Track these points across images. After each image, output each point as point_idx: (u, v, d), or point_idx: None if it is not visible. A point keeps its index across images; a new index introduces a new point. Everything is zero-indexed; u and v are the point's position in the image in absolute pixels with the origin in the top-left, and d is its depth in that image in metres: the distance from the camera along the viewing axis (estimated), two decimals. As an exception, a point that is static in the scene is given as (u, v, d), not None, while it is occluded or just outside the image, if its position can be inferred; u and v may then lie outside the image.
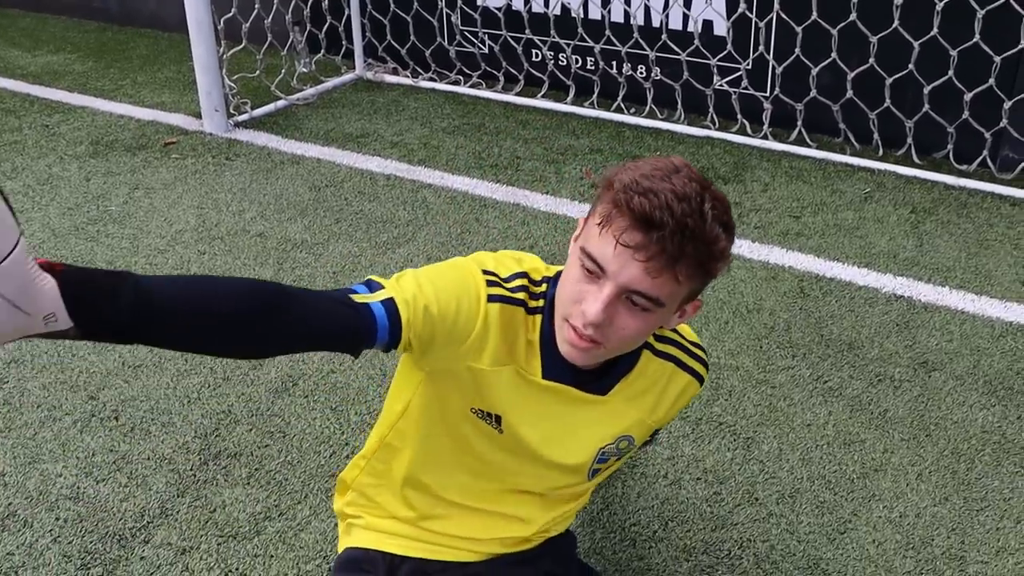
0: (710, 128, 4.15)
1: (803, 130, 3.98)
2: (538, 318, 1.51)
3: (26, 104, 4.70)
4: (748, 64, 4.07)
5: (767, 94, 4.05)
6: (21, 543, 2.06)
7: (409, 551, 1.72)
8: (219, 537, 2.06)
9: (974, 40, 3.51)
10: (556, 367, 1.51)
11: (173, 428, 2.40)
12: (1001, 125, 3.61)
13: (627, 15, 4.25)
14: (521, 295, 1.50)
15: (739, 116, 4.12)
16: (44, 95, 4.82)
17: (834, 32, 3.75)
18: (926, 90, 3.66)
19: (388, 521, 1.73)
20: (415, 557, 1.72)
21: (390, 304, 1.34)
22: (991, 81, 3.55)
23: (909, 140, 3.80)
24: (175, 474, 2.25)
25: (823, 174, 3.75)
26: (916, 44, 3.61)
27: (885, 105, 3.77)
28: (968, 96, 3.60)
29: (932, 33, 3.58)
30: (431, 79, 4.81)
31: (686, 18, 4.15)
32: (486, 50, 4.71)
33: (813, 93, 3.91)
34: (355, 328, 1.30)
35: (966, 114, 3.63)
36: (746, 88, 4.10)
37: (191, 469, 2.26)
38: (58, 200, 3.63)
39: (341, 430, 2.41)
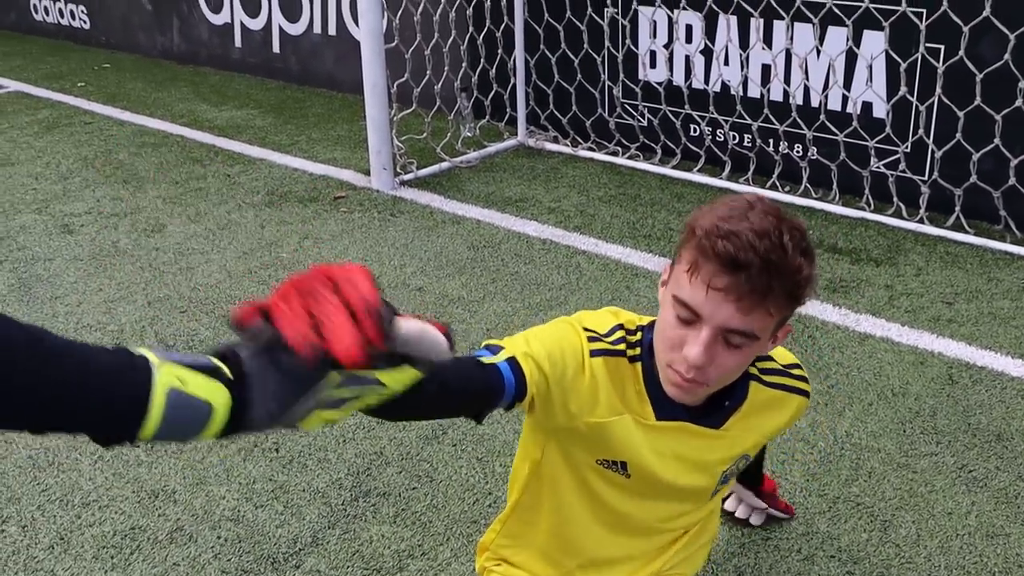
0: (865, 210, 4.14)
1: (961, 216, 3.93)
2: (639, 365, 1.59)
3: (211, 154, 5.07)
4: (907, 147, 4.06)
5: (925, 178, 4.03)
6: (185, 556, 2.25)
7: None
8: (364, 570, 2.19)
9: None
10: (667, 408, 1.59)
11: (328, 464, 2.56)
12: None
13: (786, 94, 4.31)
14: (621, 346, 1.58)
15: (895, 199, 4.10)
16: (227, 147, 5.20)
17: (998, 118, 3.72)
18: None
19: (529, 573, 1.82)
20: None
21: (513, 361, 1.43)
22: None
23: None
24: (327, 507, 2.40)
25: (980, 261, 3.70)
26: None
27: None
28: None
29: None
30: (590, 149, 4.95)
31: (845, 99, 4.18)
32: (645, 123, 4.83)
33: (973, 179, 3.87)
34: (490, 386, 1.39)
35: None
36: (904, 171, 4.08)
37: (342, 503, 2.41)
38: (235, 244, 3.91)
39: (485, 479, 2.52)
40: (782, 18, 4.21)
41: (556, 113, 5.05)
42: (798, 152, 4.38)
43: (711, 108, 4.53)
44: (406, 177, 4.59)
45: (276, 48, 6.64)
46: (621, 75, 4.81)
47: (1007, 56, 3.65)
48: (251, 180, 4.66)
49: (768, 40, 4.31)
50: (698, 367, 1.43)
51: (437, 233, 4.03)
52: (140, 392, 0.87)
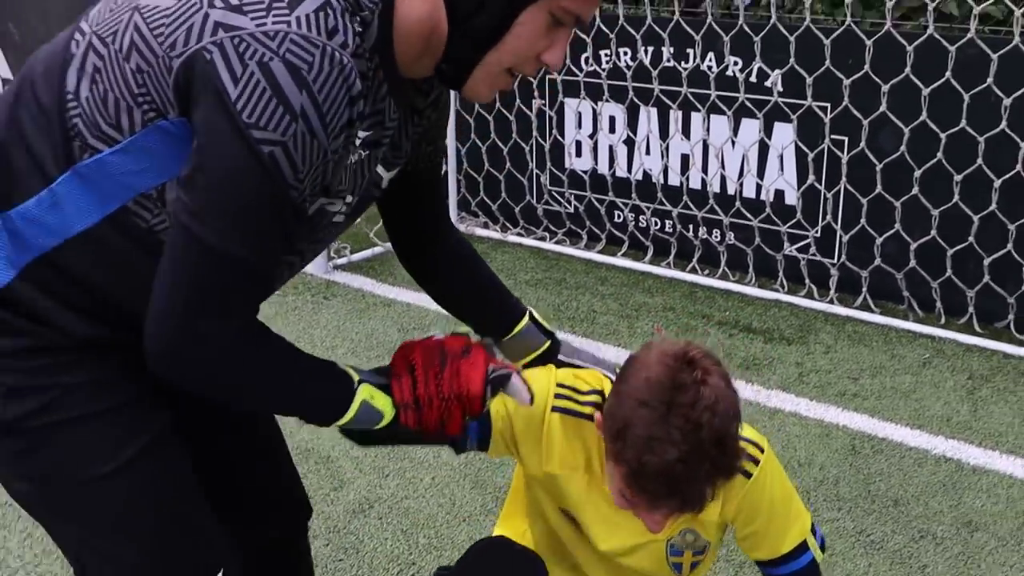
0: (779, 291, 4.35)
1: (868, 296, 4.16)
2: (592, 424, 1.61)
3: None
4: (817, 232, 4.29)
5: (834, 261, 4.26)
6: None
7: None
8: (290, 639, 2.26)
9: (1031, 217, 3.71)
10: None
11: (257, 539, 2.64)
12: (1059, 299, 3.76)
13: (704, 182, 4.54)
14: (589, 410, 1.63)
15: (807, 281, 4.32)
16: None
17: (897, 204, 3.97)
18: (986, 262, 3.83)
19: None
20: None
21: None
22: (1048, 257, 3.72)
23: (970, 309, 3.95)
24: (256, 580, 2.47)
25: (884, 339, 3.91)
26: (975, 218, 3.81)
27: (947, 275, 3.94)
28: (1026, 270, 3.77)
29: (991, 208, 3.77)
30: (518, 234, 5.13)
31: (759, 187, 4.41)
32: (571, 209, 5.03)
33: (878, 261, 4.10)
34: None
35: (1025, 287, 3.79)
36: (814, 255, 4.31)
37: (270, 577, 2.48)
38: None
39: (410, 551, 2.61)
40: (699, 111, 4.45)
41: (486, 200, 5.23)
42: (716, 237, 4.59)
43: (633, 195, 4.75)
44: (339, 261, 4.72)
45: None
46: (548, 163, 5.02)
47: (903, 148, 3.91)
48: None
49: (687, 131, 4.55)
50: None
51: (369, 316, 4.16)
52: (346, 401, 1.32)
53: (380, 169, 1.41)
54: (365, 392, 1.34)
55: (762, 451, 1.67)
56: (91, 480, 1.34)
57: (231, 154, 1.13)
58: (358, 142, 1.27)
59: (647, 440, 1.39)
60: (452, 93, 1.44)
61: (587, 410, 1.64)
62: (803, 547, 1.71)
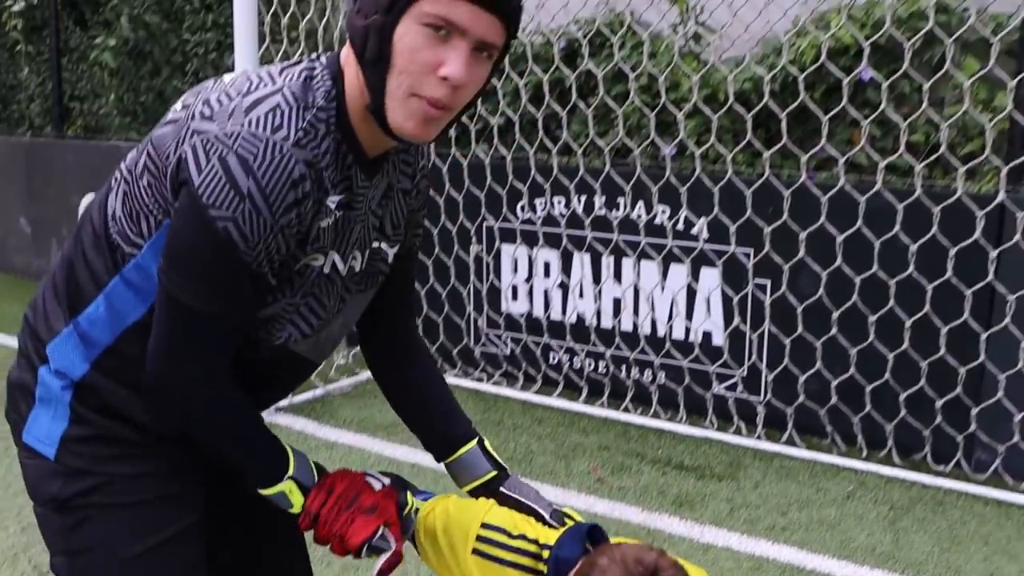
0: (709, 429, 4.51)
1: (793, 432, 4.33)
2: None
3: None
4: (743, 371, 4.48)
5: (760, 399, 4.44)
6: None
7: None
8: None
9: (941, 353, 3.93)
10: None
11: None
12: (971, 430, 3.95)
13: (635, 325, 4.73)
14: (511, 556, 1.60)
15: (735, 418, 4.49)
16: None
17: (818, 344, 4.18)
18: (902, 397, 4.04)
19: None
20: None
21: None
22: (959, 390, 3.93)
23: (890, 442, 4.13)
24: None
25: (810, 473, 4.06)
26: (890, 356, 4.03)
27: (867, 410, 4.13)
28: (939, 403, 3.97)
29: (904, 346, 4.00)
30: (457, 376, 5.26)
31: (688, 329, 4.61)
32: (508, 351, 5.18)
33: (802, 398, 4.29)
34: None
35: (939, 419, 3.98)
36: (741, 393, 4.49)
37: None
38: None
39: None
40: (630, 256, 4.68)
41: (426, 342, 5.35)
42: (647, 377, 4.76)
43: (568, 337, 4.92)
44: (280, 403, 4.79)
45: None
46: (486, 307, 5.19)
47: (821, 291, 4.15)
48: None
49: (618, 276, 4.77)
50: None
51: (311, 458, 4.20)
52: (270, 483, 1.58)
53: (384, 245, 1.66)
54: (287, 486, 1.59)
55: None
56: (121, 559, 1.58)
57: (193, 228, 1.40)
58: (333, 205, 1.49)
59: None
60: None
61: (509, 556, 1.61)
62: None
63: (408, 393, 1.88)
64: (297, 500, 1.59)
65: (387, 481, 1.71)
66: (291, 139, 1.38)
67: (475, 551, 1.61)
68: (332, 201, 1.48)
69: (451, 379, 5.20)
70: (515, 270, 5.10)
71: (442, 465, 1.84)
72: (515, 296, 5.12)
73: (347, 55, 1.47)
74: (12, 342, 5.91)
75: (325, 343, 1.72)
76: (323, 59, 1.50)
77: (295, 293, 1.56)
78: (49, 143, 7.59)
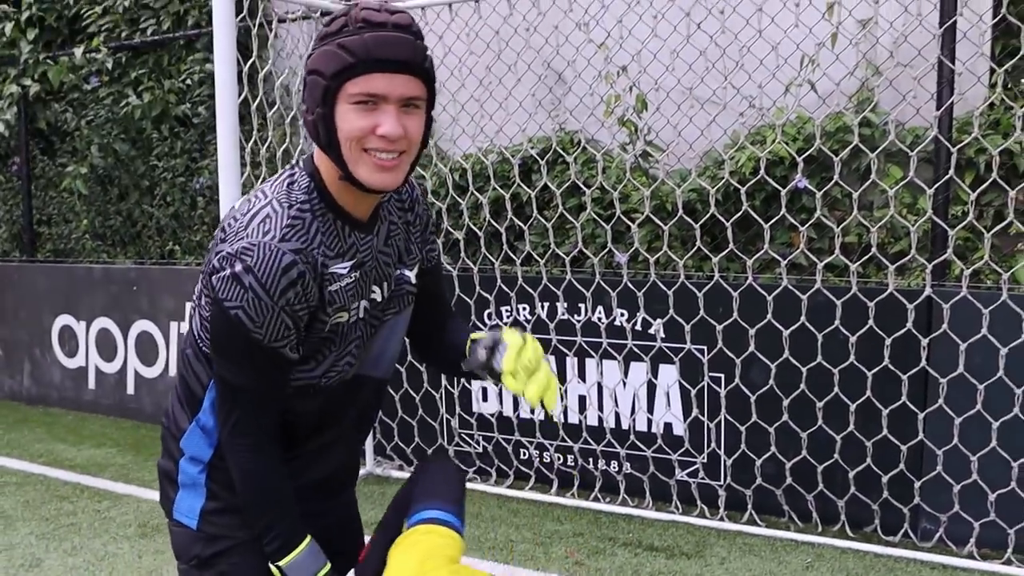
0: (674, 512, 4.81)
1: (753, 512, 4.65)
2: None
3: (77, 491, 5.37)
4: (704, 458, 4.82)
5: (721, 483, 4.77)
6: None
7: None
8: None
9: (883, 433, 4.31)
10: None
11: None
12: (915, 502, 4.32)
13: (600, 419, 5.07)
14: None
15: (698, 502, 4.81)
16: (92, 484, 5.50)
17: (771, 430, 4.55)
18: (851, 475, 4.40)
19: None
20: None
21: None
22: (902, 466, 4.31)
23: (842, 517, 4.47)
24: None
25: (771, 548, 4.37)
26: (838, 438, 4.40)
27: (819, 488, 4.48)
28: (885, 479, 4.33)
29: (849, 429, 4.38)
30: (432, 475, 5.50)
31: (650, 421, 4.95)
32: (480, 449, 5.46)
33: (759, 481, 4.63)
34: None
35: (886, 494, 4.34)
36: (703, 478, 4.82)
37: None
38: (115, 574, 4.19)
39: None
40: (592, 357, 5.04)
41: (400, 444, 5.63)
42: (614, 468, 5.07)
43: (537, 434, 5.23)
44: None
45: (131, 390, 7.06)
46: (457, 408, 5.49)
47: (771, 381, 4.53)
48: (122, 514, 4.96)
49: (582, 375, 5.11)
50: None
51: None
52: (281, 557, 1.88)
53: (405, 271, 2.02)
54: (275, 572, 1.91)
55: None
56: None
57: (217, 319, 1.80)
58: (344, 271, 1.85)
59: None
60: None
61: None
62: None
63: (438, 347, 2.23)
64: None
65: None
66: (277, 237, 1.76)
67: None
68: (342, 268, 1.84)
69: (426, 479, 5.45)
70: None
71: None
72: (485, 397, 5.43)
73: (318, 149, 1.84)
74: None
75: (378, 359, 2.05)
76: (301, 162, 1.89)
77: (339, 346, 1.92)
78: (20, 267, 7.81)
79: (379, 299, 1.96)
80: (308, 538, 1.91)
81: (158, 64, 7.37)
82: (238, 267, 1.74)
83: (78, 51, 7.15)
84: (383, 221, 1.96)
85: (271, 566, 1.89)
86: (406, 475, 5.51)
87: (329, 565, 1.93)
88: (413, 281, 2.05)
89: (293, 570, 1.88)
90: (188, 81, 7.13)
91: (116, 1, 7.41)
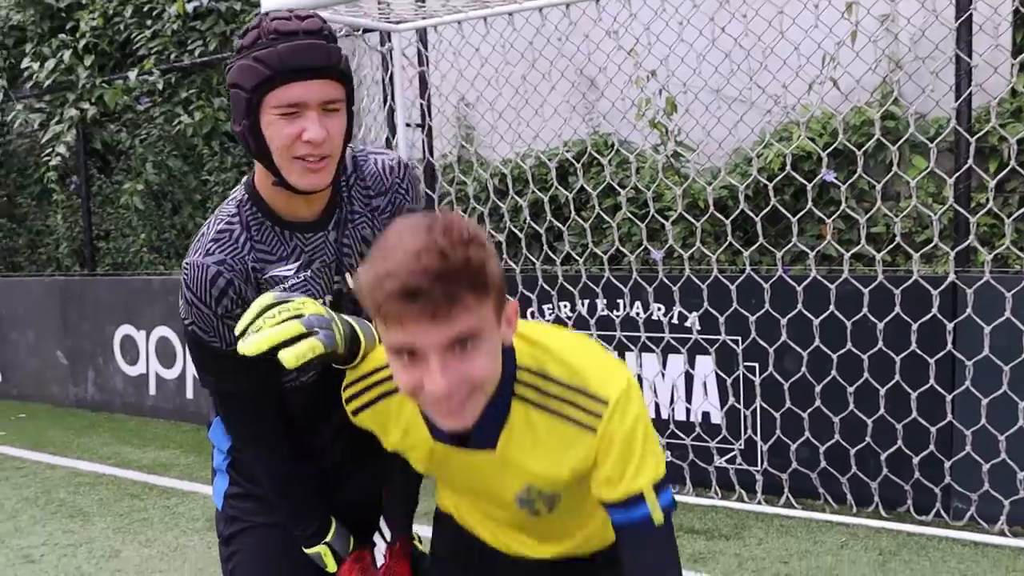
0: (714, 498, 5.01)
1: (789, 495, 4.83)
2: (404, 399, 1.65)
3: (146, 490, 5.68)
4: (741, 445, 5.00)
5: (758, 468, 4.95)
6: None
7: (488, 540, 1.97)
8: None
9: (913, 416, 4.47)
10: (440, 431, 1.67)
11: None
12: (946, 482, 4.47)
13: (641, 410, 5.26)
14: (381, 388, 1.77)
15: (737, 486, 5.00)
16: (159, 483, 5.81)
17: (805, 416, 4.72)
18: (883, 457, 4.56)
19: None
20: (491, 546, 1.96)
21: None
22: (932, 447, 4.46)
23: (876, 498, 4.63)
24: None
25: (807, 529, 4.55)
26: (870, 421, 4.57)
27: (853, 471, 4.65)
28: (916, 460, 4.49)
29: (880, 412, 4.54)
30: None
31: (688, 411, 5.15)
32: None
33: (795, 465, 4.80)
34: None
35: (917, 475, 4.50)
36: (740, 464, 5.01)
37: None
38: (189, 564, 4.47)
39: None
40: (632, 350, 5.24)
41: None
42: (656, 457, 5.26)
43: (581, 426, 5.43)
44: None
45: (190, 395, 7.37)
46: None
47: (804, 369, 4.71)
48: (189, 510, 5.25)
49: (621, 368, 5.30)
50: (446, 395, 1.45)
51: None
52: (311, 544, 2.06)
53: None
54: (322, 549, 2.05)
55: (606, 404, 1.60)
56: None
57: (186, 336, 1.98)
58: (291, 272, 1.96)
59: (381, 257, 1.44)
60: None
61: (380, 389, 1.78)
62: (638, 499, 1.60)
63: None
64: (331, 564, 2.04)
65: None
66: (202, 252, 1.91)
67: (355, 412, 1.84)
68: (287, 270, 1.95)
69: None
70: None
71: None
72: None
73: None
74: (60, 461, 6.43)
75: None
76: (246, 178, 2.02)
77: None
78: (83, 281, 8.17)
79: (344, 289, 2.04)
80: (334, 523, 2.07)
81: (207, 83, 7.68)
82: (182, 287, 1.92)
83: (132, 74, 7.48)
84: (342, 214, 2.01)
85: (306, 551, 2.05)
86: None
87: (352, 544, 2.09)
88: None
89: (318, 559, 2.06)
90: (236, 98, 7.43)
91: (165, 24, 7.72)
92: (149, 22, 7.85)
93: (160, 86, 7.56)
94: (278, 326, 1.70)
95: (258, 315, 1.73)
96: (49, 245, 9.13)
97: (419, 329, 1.41)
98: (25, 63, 8.22)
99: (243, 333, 1.73)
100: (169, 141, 7.81)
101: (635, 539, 1.61)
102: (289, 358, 1.68)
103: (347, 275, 2.02)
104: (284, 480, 2.04)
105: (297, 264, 1.96)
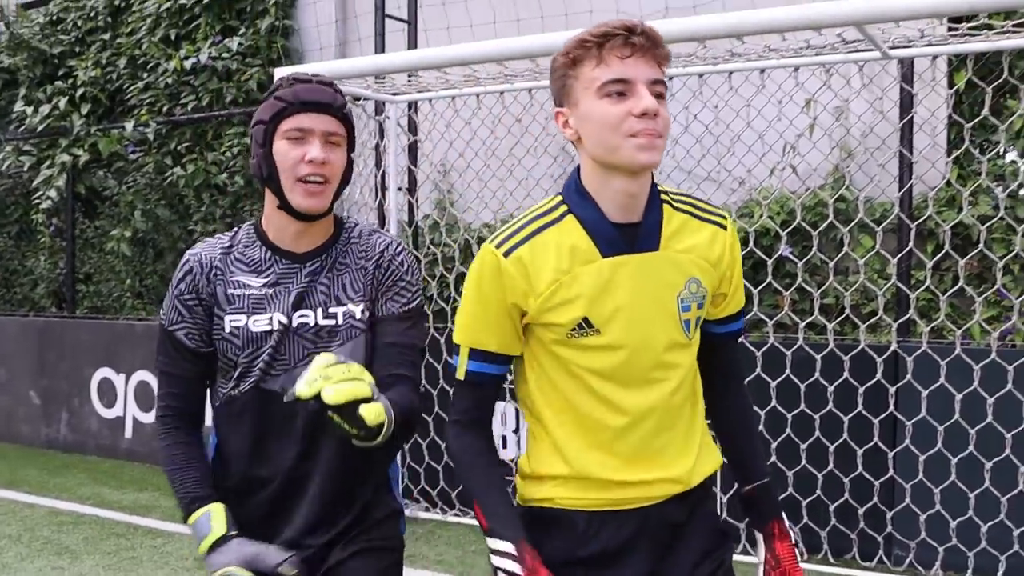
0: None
1: (746, 543, 5.28)
2: (569, 218, 1.87)
3: (131, 530, 5.84)
4: (702, 494, 5.44)
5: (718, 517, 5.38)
6: None
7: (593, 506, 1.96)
8: None
9: (859, 471, 4.96)
10: (610, 244, 1.86)
11: None
12: (888, 531, 4.96)
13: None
14: (535, 224, 1.89)
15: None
16: (144, 523, 5.98)
17: (762, 469, 5.18)
18: (831, 509, 5.03)
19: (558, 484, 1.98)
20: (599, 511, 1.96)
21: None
22: (876, 500, 4.95)
23: (825, 546, 5.09)
24: None
25: (763, 572, 4.98)
26: (820, 476, 5.04)
27: (804, 521, 5.11)
28: (861, 511, 4.97)
29: (830, 468, 5.02)
30: (456, 515, 6.10)
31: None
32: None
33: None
34: None
35: (862, 525, 4.98)
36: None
37: None
38: (185, 596, 4.75)
39: None
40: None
41: (427, 487, 6.23)
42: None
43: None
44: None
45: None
46: (480, 452, 6.08)
47: (761, 427, 5.17)
48: (177, 549, 5.48)
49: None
50: (653, 112, 1.74)
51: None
52: (187, 514, 2.21)
53: (350, 307, 2.21)
54: (209, 508, 2.18)
55: (723, 215, 1.99)
56: None
57: None
58: (256, 285, 2.18)
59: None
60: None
61: (534, 225, 1.89)
62: (742, 312, 2.08)
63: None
64: (219, 524, 2.14)
65: None
66: (194, 248, 2.26)
67: (507, 253, 1.90)
68: (252, 280, 2.19)
69: (452, 518, 6.05)
70: (504, 422, 6.02)
71: None
72: (505, 444, 6.04)
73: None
74: (38, 500, 6.52)
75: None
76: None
77: (246, 350, 2.19)
78: (62, 322, 8.39)
79: (311, 323, 2.19)
80: (207, 508, 2.17)
81: (201, 136, 8.03)
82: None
83: (129, 124, 7.82)
84: (330, 259, 2.23)
85: (190, 521, 2.18)
86: (433, 516, 6.10)
87: (218, 534, 2.13)
88: (358, 317, 2.21)
89: (194, 530, 2.17)
90: (227, 152, 7.81)
91: (159, 78, 8.09)
92: (144, 74, 8.21)
93: (151, 136, 7.89)
94: (355, 382, 1.75)
95: (326, 367, 1.77)
96: (24, 285, 9.32)
97: (631, 63, 1.75)
98: (18, 107, 8.51)
99: (312, 381, 1.75)
100: (156, 190, 8.13)
101: (734, 347, 2.08)
102: (369, 415, 1.75)
103: (317, 310, 2.19)
104: (170, 455, 2.26)
105: (264, 281, 2.20)
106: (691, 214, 1.93)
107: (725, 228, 1.96)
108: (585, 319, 1.85)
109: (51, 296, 9.11)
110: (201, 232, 7.97)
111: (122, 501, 6.53)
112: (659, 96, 1.77)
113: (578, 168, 1.90)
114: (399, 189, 6.20)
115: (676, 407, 1.94)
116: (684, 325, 1.91)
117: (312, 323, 2.18)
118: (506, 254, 1.86)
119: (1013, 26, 4.23)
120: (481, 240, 6.27)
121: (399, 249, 2.28)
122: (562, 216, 1.88)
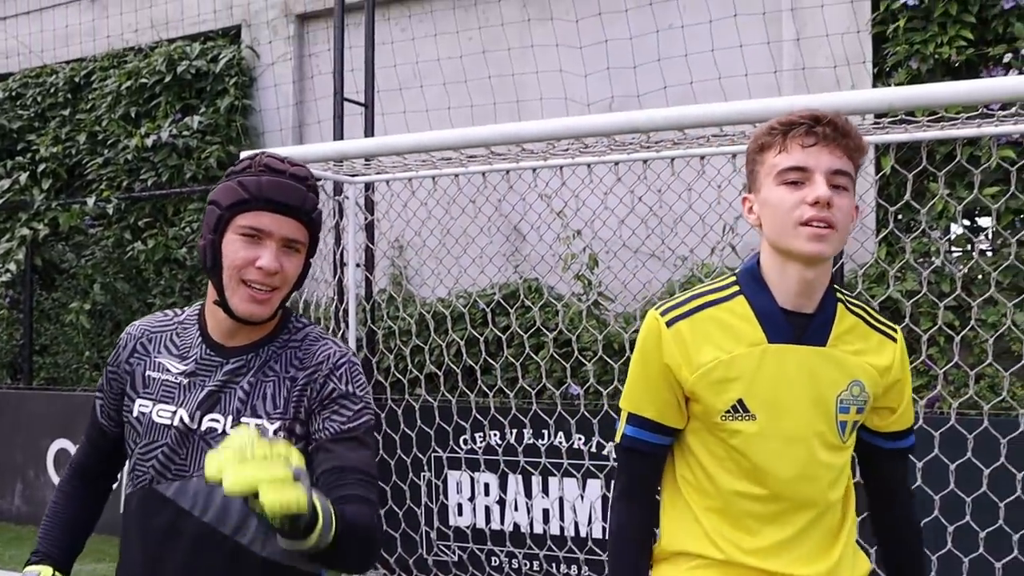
0: (628, 609, 5.61)
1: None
2: (739, 299, 1.85)
3: (100, 604, 5.95)
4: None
5: None
6: None
7: None
8: None
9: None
10: (777, 330, 1.83)
11: None
12: None
13: (562, 529, 5.89)
14: (704, 299, 1.88)
15: (648, 599, 5.62)
16: (112, 596, 6.07)
17: (707, 537, 5.40)
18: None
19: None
20: None
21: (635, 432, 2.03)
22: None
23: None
24: None
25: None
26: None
27: None
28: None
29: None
30: (413, 581, 6.26)
31: (604, 529, 5.78)
32: (456, 558, 6.23)
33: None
34: None
35: None
36: None
37: None
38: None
39: None
40: (555, 475, 5.88)
41: (384, 554, 6.36)
42: (574, 571, 5.88)
43: (507, 543, 6.02)
44: None
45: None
46: (436, 522, 6.25)
47: (706, 494, 5.41)
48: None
49: (546, 491, 5.94)
50: (826, 201, 1.72)
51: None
52: (31, 561, 2.19)
53: (265, 423, 1.94)
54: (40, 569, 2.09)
55: (895, 328, 1.95)
56: None
57: None
58: (175, 369, 1.98)
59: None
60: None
61: (702, 300, 1.88)
62: (911, 429, 2.00)
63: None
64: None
65: None
66: (141, 319, 2.09)
67: (669, 323, 1.93)
68: (172, 364, 1.98)
69: (409, 584, 6.20)
70: (459, 491, 6.20)
71: None
72: (460, 512, 6.22)
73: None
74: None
75: (226, 508, 1.92)
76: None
77: (143, 440, 1.99)
78: (20, 393, 8.42)
79: (219, 429, 1.94)
80: (38, 568, 2.10)
81: (161, 211, 8.19)
82: None
83: (90, 200, 7.97)
84: (257, 359, 1.98)
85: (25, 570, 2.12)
86: (395, 581, 6.24)
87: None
88: (271, 434, 1.93)
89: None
90: (187, 228, 7.98)
91: (119, 154, 8.26)
92: (104, 149, 8.38)
93: (111, 211, 8.04)
94: (265, 463, 1.50)
95: (243, 444, 1.53)
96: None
97: (813, 152, 1.77)
98: (-24, 181, 8.64)
99: (223, 460, 1.52)
100: (114, 263, 8.26)
101: (905, 462, 2.03)
102: (273, 503, 1.48)
103: (228, 417, 1.96)
104: (54, 503, 2.22)
105: (183, 368, 1.98)
106: (863, 319, 1.92)
107: (895, 340, 1.94)
108: (740, 402, 1.84)
109: (6, 368, 9.14)
110: (159, 305, 8.10)
111: (80, 572, 6.57)
112: (839, 188, 1.78)
113: (757, 253, 1.91)
114: (357, 265, 6.41)
115: (824, 505, 1.90)
116: (840, 426, 1.88)
117: (220, 430, 1.94)
118: (668, 324, 1.88)
119: (928, 120, 4.58)
120: (436, 315, 6.49)
121: (341, 361, 1.99)
122: (732, 296, 1.89)
